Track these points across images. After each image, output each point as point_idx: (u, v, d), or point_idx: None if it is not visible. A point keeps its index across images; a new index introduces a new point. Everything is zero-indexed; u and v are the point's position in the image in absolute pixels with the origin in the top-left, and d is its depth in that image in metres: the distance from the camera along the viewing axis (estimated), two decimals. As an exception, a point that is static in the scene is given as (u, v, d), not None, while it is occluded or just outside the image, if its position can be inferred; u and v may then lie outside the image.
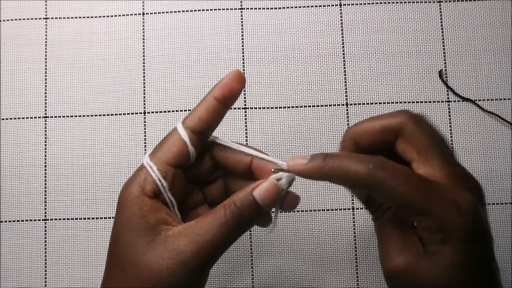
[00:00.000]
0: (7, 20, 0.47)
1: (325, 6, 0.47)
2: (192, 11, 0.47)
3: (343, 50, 0.46)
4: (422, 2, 0.47)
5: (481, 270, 0.26)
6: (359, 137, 0.29)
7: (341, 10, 0.47)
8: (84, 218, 0.44)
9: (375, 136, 0.29)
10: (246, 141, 0.45)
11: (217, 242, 0.27)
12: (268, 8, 0.47)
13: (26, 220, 0.44)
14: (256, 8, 0.47)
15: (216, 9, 0.47)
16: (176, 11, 0.47)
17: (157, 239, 0.27)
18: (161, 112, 0.45)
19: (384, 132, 0.29)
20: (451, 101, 0.45)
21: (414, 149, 0.28)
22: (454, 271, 0.26)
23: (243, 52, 0.46)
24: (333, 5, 0.47)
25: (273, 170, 0.29)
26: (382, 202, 0.29)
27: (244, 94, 0.46)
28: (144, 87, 0.46)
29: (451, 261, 0.26)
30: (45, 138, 0.45)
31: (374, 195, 0.28)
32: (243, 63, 0.46)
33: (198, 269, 0.27)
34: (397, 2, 0.47)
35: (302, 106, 0.45)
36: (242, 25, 0.47)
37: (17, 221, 0.44)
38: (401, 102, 0.45)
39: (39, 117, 0.46)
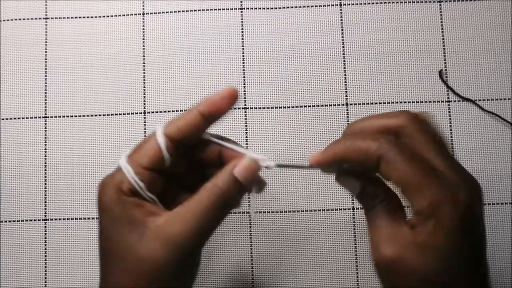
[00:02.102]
0: (7, 20, 0.47)
1: (325, 6, 0.47)
2: (192, 11, 0.47)
3: (343, 50, 0.46)
4: (422, 2, 0.47)
5: (469, 268, 0.27)
6: (345, 157, 0.29)
7: (341, 10, 0.47)
8: (84, 218, 0.44)
9: (358, 159, 0.28)
10: (246, 141, 0.45)
11: (204, 224, 0.29)
12: (268, 8, 0.47)
13: (26, 220, 0.44)
14: (256, 8, 0.47)
15: (216, 9, 0.47)
16: (176, 11, 0.47)
17: (147, 231, 0.28)
18: (161, 112, 0.45)
19: (383, 131, 0.29)
20: (451, 101, 0.45)
21: (395, 178, 0.28)
22: (441, 262, 0.26)
23: (243, 52, 0.46)
24: (333, 5, 0.47)
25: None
26: (376, 195, 0.29)
27: (244, 94, 0.46)
28: (144, 87, 0.46)
29: (440, 251, 0.26)
30: (45, 138, 0.45)
31: (380, 170, 0.28)
32: (243, 63, 0.46)
33: (190, 252, 0.29)
34: (397, 2, 0.47)
35: (302, 106, 0.45)
36: (242, 25, 0.47)
37: (17, 221, 0.44)
38: (401, 102, 0.45)
39: (39, 117, 0.46)
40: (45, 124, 0.46)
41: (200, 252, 0.30)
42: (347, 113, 0.45)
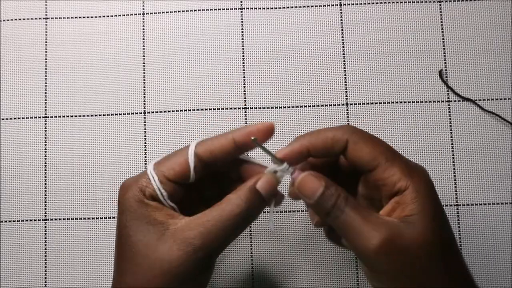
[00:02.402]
0: (7, 20, 0.47)
1: (325, 6, 0.47)
2: (192, 11, 0.47)
3: (343, 50, 0.46)
4: (422, 2, 0.47)
5: (449, 228, 0.30)
6: (311, 147, 0.31)
7: (341, 10, 0.47)
8: (84, 218, 0.44)
9: (326, 146, 0.31)
10: (246, 141, 0.45)
11: (223, 233, 0.29)
12: (268, 8, 0.47)
13: (26, 220, 0.44)
14: (256, 8, 0.47)
15: (216, 9, 0.47)
16: (176, 11, 0.47)
17: (166, 233, 0.29)
18: (161, 112, 0.45)
19: (334, 143, 0.31)
20: (451, 101, 0.45)
21: (365, 156, 0.30)
22: (433, 225, 0.28)
23: (243, 52, 0.46)
24: (333, 5, 0.47)
25: (270, 164, 0.32)
26: (338, 194, 0.30)
27: (244, 94, 0.46)
28: (144, 87, 0.46)
29: (425, 215, 0.28)
30: (45, 138, 0.45)
31: (347, 152, 0.31)
32: (243, 63, 0.46)
33: (205, 257, 0.29)
34: (397, 2, 0.47)
35: (302, 106, 0.45)
36: (242, 25, 0.47)
37: (17, 221, 0.44)
38: (401, 102, 0.45)
39: (39, 117, 0.46)
40: (45, 124, 0.46)
41: (215, 259, 0.31)
42: (347, 113, 0.45)
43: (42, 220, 0.44)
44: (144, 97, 0.46)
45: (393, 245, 0.28)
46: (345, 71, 0.46)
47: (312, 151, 0.31)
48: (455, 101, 0.45)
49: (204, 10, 0.47)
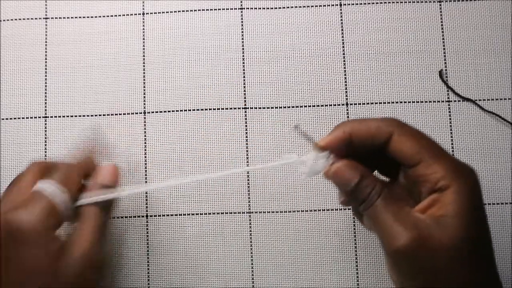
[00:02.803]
0: (7, 20, 0.47)
1: (325, 6, 0.47)
2: (192, 11, 0.47)
3: (343, 50, 0.46)
4: (422, 1, 0.47)
5: (487, 235, 0.28)
6: (354, 134, 0.30)
7: (341, 10, 0.47)
8: (84, 218, 0.44)
9: (369, 134, 0.30)
10: (246, 141, 0.45)
11: (101, 232, 0.34)
12: (268, 8, 0.47)
13: (26, 220, 0.44)
14: (256, 8, 0.47)
15: (216, 9, 0.47)
16: (176, 11, 0.47)
17: (63, 258, 0.32)
18: (161, 112, 0.45)
19: (378, 133, 0.30)
20: (451, 101, 0.45)
21: (408, 150, 0.29)
22: (467, 229, 0.27)
23: (243, 52, 0.46)
24: (333, 5, 0.47)
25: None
26: (373, 186, 0.29)
27: (244, 94, 0.46)
28: (144, 87, 0.46)
29: (463, 218, 0.27)
30: (45, 138, 0.45)
31: (390, 145, 0.29)
32: (243, 63, 0.46)
33: (105, 261, 0.34)
34: (397, 2, 0.47)
35: (302, 106, 0.45)
36: (242, 25, 0.47)
37: (17, 221, 0.44)
38: (401, 102, 0.45)
39: (39, 117, 0.46)
40: (45, 124, 0.46)
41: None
42: (347, 113, 0.45)
43: (42, 220, 0.44)
44: (144, 97, 0.46)
45: (420, 246, 0.27)
46: (345, 71, 0.46)
47: (354, 138, 0.30)
48: (455, 101, 0.45)
49: (204, 10, 0.47)
